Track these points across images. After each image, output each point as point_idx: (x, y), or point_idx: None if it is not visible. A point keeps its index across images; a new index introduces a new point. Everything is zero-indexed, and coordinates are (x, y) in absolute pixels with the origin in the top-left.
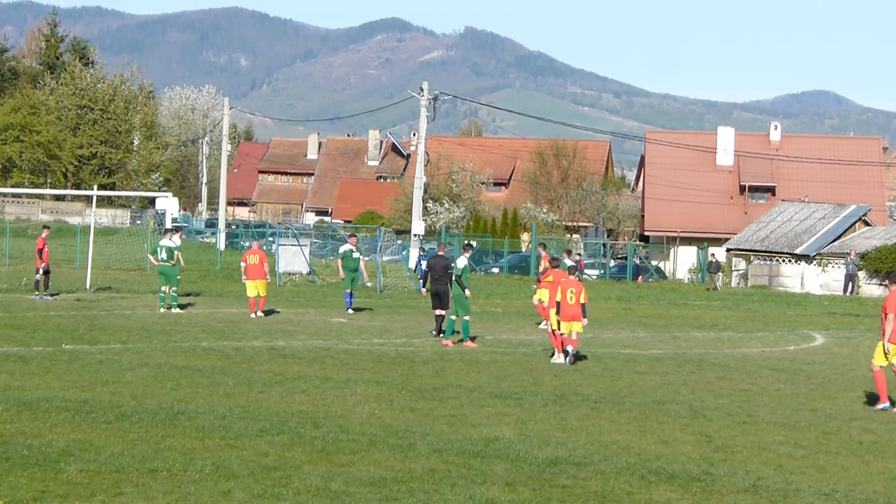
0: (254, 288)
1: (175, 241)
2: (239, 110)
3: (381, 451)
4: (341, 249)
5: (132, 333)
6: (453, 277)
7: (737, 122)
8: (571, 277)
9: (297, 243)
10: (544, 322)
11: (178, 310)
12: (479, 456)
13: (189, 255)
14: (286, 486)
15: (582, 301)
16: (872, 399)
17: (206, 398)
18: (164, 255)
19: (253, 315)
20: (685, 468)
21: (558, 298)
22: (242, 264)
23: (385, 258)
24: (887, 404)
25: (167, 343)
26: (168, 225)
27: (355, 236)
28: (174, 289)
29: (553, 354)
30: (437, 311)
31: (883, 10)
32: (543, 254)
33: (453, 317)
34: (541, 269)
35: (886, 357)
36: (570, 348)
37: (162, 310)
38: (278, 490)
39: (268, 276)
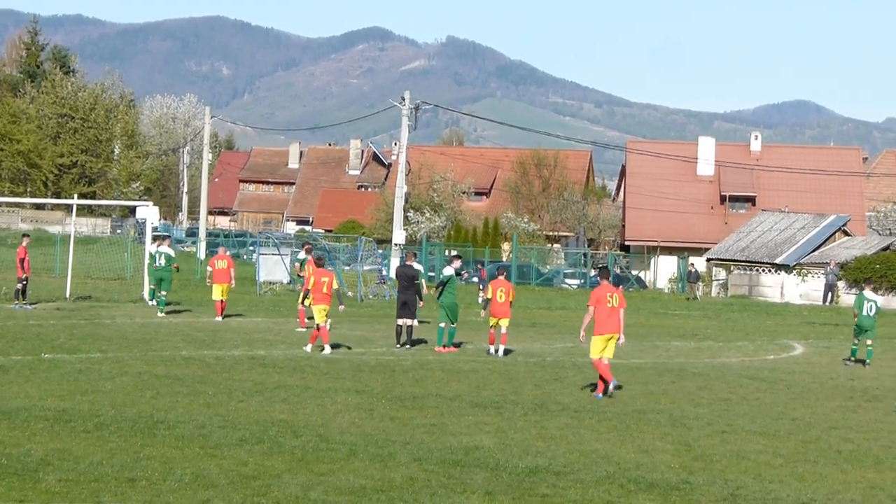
0: (220, 291)
1: (169, 249)
2: (220, 119)
3: (360, 460)
4: (301, 256)
5: (112, 343)
6: (440, 285)
7: (717, 132)
8: (501, 278)
9: (277, 253)
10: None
11: (162, 314)
12: (459, 465)
13: None
14: (266, 496)
15: (511, 299)
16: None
17: (186, 407)
18: (162, 262)
19: (218, 318)
20: (665, 477)
21: (489, 296)
22: (209, 269)
23: (366, 268)
24: (614, 382)
25: (147, 352)
26: (150, 234)
27: (310, 244)
28: (164, 294)
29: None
30: (400, 321)
31: (863, 20)
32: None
33: (453, 325)
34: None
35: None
36: (501, 346)
37: (160, 314)
38: (258, 499)
39: (233, 282)
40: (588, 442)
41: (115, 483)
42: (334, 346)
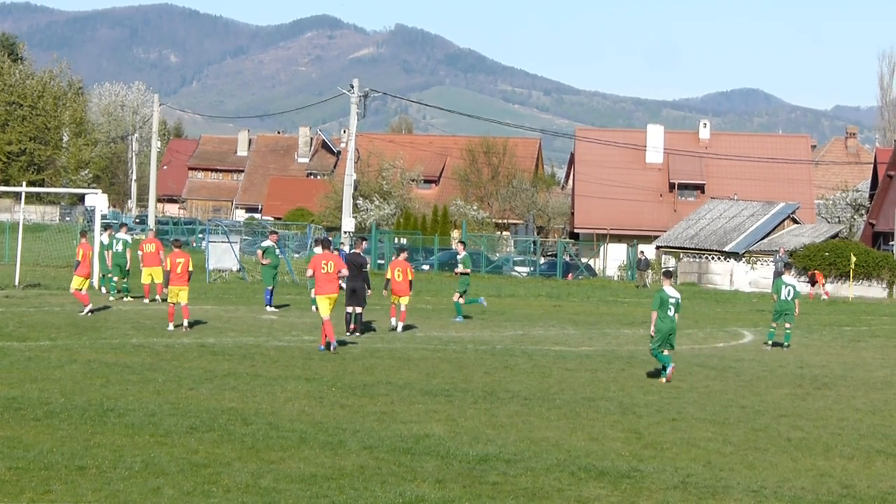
0: (149, 275)
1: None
2: (169, 107)
3: (311, 447)
4: (264, 244)
5: (61, 330)
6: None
7: (666, 119)
8: (401, 259)
9: (227, 240)
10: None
11: (128, 298)
12: (410, 453)
13: None
14: (216, 483)
15: (409, 279)
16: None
17: (136, 395)
18: (119, 248)
19: (146, 300)
20: (615, 465)
21: (388, 276)
22: (139, 252)
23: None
24: (323, 347)
25: (96, 340)
26: (98, 221)
27: (276, 233)
28: (125, 280)
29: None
30: (349, 308)
31: (811, 9)
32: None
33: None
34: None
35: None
36: (400, 323)
37: (112, 298)
38: (208, 487)
39: (163, 264)
40: (538, 430)
41: (65, 471)
42: (177, 326)
